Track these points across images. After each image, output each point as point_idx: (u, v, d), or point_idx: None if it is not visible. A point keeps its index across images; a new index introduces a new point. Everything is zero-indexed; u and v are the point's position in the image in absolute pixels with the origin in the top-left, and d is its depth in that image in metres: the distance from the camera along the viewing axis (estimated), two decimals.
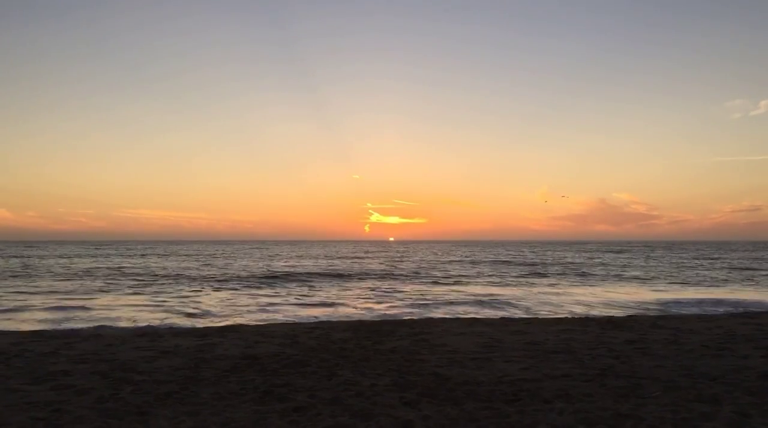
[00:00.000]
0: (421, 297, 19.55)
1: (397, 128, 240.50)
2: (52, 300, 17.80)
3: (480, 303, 17.88)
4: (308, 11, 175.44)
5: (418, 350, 8.52)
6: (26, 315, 14.56)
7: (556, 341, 9.35)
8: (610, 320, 12.46)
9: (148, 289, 22.08)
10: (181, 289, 22.22)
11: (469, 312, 15.44)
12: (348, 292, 21.41)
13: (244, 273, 31.41)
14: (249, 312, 15.44)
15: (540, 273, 32.52)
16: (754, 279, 28.82)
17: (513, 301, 18.31)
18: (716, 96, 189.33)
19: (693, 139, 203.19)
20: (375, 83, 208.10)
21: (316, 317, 14.32)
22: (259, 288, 23.07)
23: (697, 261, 47.86)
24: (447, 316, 14.26)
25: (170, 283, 25.05)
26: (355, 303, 17.63)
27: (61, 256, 54.60)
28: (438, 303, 17.50)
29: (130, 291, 21.43)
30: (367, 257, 58.36)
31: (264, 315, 14.71)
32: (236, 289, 22.33)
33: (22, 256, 54.13)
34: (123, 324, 12.92)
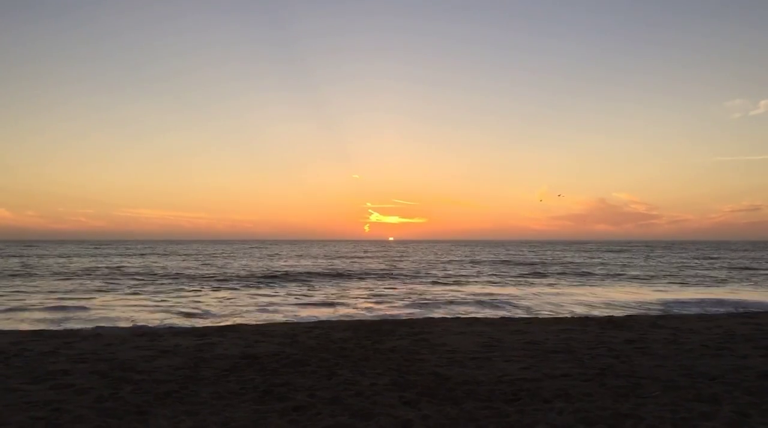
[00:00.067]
0: (421, 296, 19.55)
1: (396, 128, 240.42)
2: (52, 300, 17.80)
3: (480, 302, 17.89)
4: (308, 11, 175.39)
5: (417, 350, 8.52)
6: (26, 314, 14.56)
7: (555, 341, 9.35)
8: (609, 320, 12.47)
9: (147, 289, 22.08)
10: (180, 289, 22.22)
11: (469, 312, 15.44)
12: (347, 292, 21.41)
13: (243, 273, 31.41)
14: (248, 311, 15.44)
15: (540, 273, 32.53)
16: (755, 279, 28.84)
17: (513, 301, 18.31)
18: (716, 96, 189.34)
19: (693, 139, 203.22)
20: (375, 83, 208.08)
21: (315, 317, 14.31)
22: (258, 287, 23.07)
23: (696, 260, 47.88)
24: (447, 316, 14.26)
25: (170, 283, 25.04)
26: (354, 303, 17.63)
27: (60, 256, 54.58)
28: (438, 303, 17.50)
29: (130, 290, 21.43)
30: (367, 257, 58.37)
31: (263, 315, 14.71)
32: (236, 289, 22.33)
33: (22, 256, 54.11)
34: (122, 323, 12.92)
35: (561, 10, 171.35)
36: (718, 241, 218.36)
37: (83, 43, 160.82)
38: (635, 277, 29.49)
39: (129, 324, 12.65)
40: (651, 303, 17.88)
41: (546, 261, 47.96)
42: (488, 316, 14.15)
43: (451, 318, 13.57)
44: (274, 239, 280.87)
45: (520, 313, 15.25)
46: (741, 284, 25.70)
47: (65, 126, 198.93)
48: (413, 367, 7.21)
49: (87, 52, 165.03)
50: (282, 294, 20.44)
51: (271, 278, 28.05)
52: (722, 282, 26.89)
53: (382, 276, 30.34)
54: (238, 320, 13.51)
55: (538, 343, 9.08)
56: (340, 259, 51.48)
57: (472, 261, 47.23)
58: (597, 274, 31.71)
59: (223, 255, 60.87)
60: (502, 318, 13.24)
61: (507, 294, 20.51)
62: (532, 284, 25.52)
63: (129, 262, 43.13)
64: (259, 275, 29.92)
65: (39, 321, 13.27)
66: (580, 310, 15.85)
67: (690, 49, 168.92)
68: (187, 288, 22.70)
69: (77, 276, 28.98)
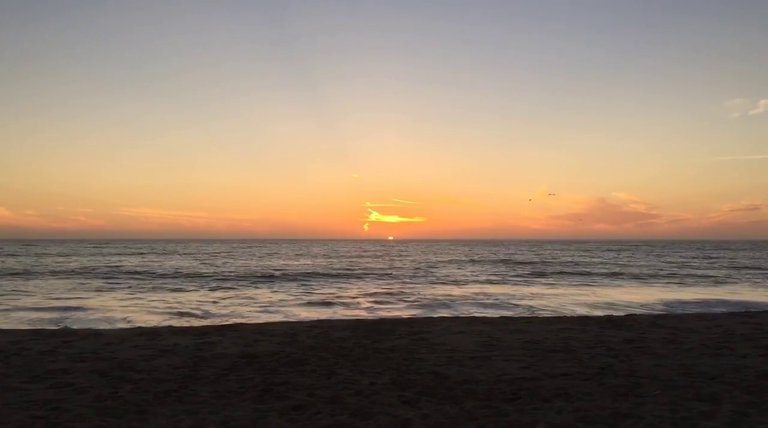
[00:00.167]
0: (420, 296, 19.55)
1: (396, 127, 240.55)
2: (51, 299, 17.80)
3: (479, 302, 17.89)
4: (308, 10, 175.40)
5: (417, 349, 8.52)
6: (25, 313, 14.55)
7: (555, 340, 9.35)
8: (609, 319, 12.47)
9: (147, 288, 22.08)
10: (180, 288, 22.22)
11: (468, 311, 15.44)
12: (347, 291, 21.41)
13: (243, 272, 31.41)
14: (248, 310, 15.44)
15: (539, 273, 32.54)
16: (755, 279, 28.85)
17: (512, 300, 18.32)
18: (716, 95, 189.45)
19: (692, 138, 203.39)
20: (374, 82, 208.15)
21: (315, 316, 14.32)
22: (257, 287, 23.07)
23: (696, 260, 47.89)
24: (446, 315, 14.26)
25: (169, 282, 25.04)
26: (353, 302, 17.63)
27: (59, 255, 54.56)
28: (437, 302, 17.50)
29: (129, 290, 21.42)
30: (366, 256, 58.37)
31: (263, 314, 14.71)
32: (235, 288, 22.33)
33: (21, 255, 54.08)
34: (122, 322, 12.92)
35: (560, 10, 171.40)
36: (718, 241, 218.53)
37: (82, 41, 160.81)
38: (635, 277, 29.50)
39: (128, 324, 12.65)
40: (651, 303, 17.88)
41: (545, 260, 47.97)
42: (487, 315, 14.15)
43: (451, 317, 13.57)
44: (274, 238, 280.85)
45: (519, 313, 15.25)
46: (741, 284, 25.71)
47: (64, 125, 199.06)
48: (412, 366, 7.21)
49: (86, 51, 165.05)
50: (281, 293, 20.44)
51: (271, 277, 28.05)
52: (722, 282, 26.90)
53: (381, 275, 30.34)
54: (238, 319, 13.51)
55: (537, 342, 9.09)
56: (339, 259, 51.47)
57: (471, 261, 47.23)
58: (597, 274, 31.72)
59: (223, 254, 60.85)
60: (502, 318, 13.24)
61: (506, 294, 20.52)
62: (531, 283, 25.52)
63: (128, 261, 43.11)
64: (259, 274, 29.92)
65: (38, 320, 13.27)
66: (579, 310, 15.86)
67: (689, 49, 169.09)
68: (186, 287, 22.70)
69: (76, 275, 28.97)
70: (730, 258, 50.33)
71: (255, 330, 10.70)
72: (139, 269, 33.82)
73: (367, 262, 44.80)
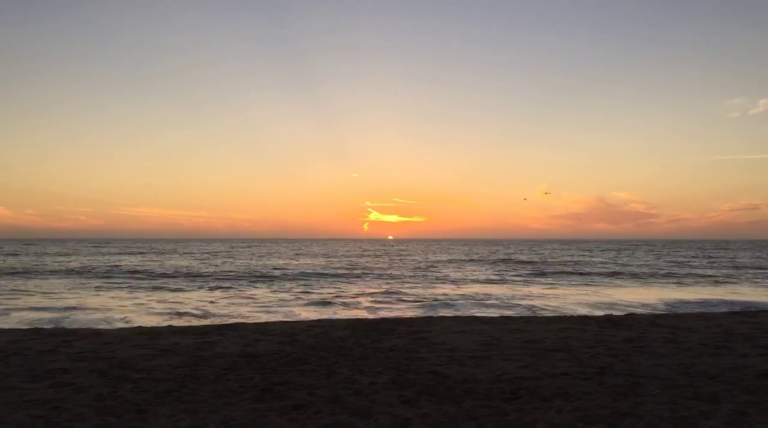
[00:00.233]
0: (420, 295, 19.56)
1: (396, 126, 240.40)
2: (51, 299, 17.80)
3: (479, 301, 17.90)
4: (308, 10, 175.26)
5: (416, 348, 8.52)
6: (24, 313, 14.55)
7: (555, 339, 9.35)
8: (608, 318, 12.48)
9: (146, 287, 22.08)
10: (180, 287, 22.22)
11: (468, 311, 15.44)
12: (346, 291, 21.41)
13: (243, 272, 31.41)
14: (248, 310, 15.44)
15: (539, 272, 32.55)
16: (754, 278, 28.86)
17: (512, 300, 18.32)
18: (715, 94, 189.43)
19: (692, 138, 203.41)
20: (374, 81, 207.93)
21: (314, 315, 14.32)
22: (257, 286, 23.07)
23: (696, 259, 47.92)
24: (446, 315, 14.26)
25: (169, 282, 25.04)
26: (353, 302, 17.63)
27: (59, 254, 54.55)
28: (437, 302, 17.50)
29: (129, 289, 21.43)
30: (366, 255, 58.37)
31: (263, 314, 14.71)
32: (235, 288, 22.33)
33: (21, 254, 54.08)
34: (121, 322, 12.92)
35: (560, 9, 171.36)
36: (717, 240, 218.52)
37: (82, 41, 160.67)
38: (635, 276, 29.52)
39: (128, 323, 12.65)
40: (651, 302, 17.89)
41: (545, 260, 47.99)
42: (487, 315, 14.16)
43: (450, 316, 13.58)
44: (274, 238, 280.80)
45: (519, 312, 15.25)
46: (741, 283, 25.72)
47: (64, 124, 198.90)
48: (412, 366, 7.22)
49: (86, 50, 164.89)
50: (281, 293, 20.44)
51: (270, 277, 28.06)
52: (722, 281, 26.91)
53: (381, 275, 30.35)
54: (238, 319, 13.52)
55: (537, 342, 9.09)
56: (339, 258, 51.48)
57: (471, 260, 47.24)
58: (596, 273, 31.73)
59: (223, 253, 60.85)
60: (501, 317, 13.24)
61: (506, 293, 20.52)
62: (531, 283, 25.53)
63: (128, 261, 43.12)
64: (258, 274, 29.92)
65: (38, 319, 13.26)
66: (579, 309, 15.86)
67: (689, 48, 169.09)
68: (186, 287, 22.71)
69: (76, 274, 28.97)
70: (730, 258, 50.35)
71: (255, 329, 10.70)
72: (138, 268, 33.82)
73: (367, 262, 44.81)
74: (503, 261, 46.52)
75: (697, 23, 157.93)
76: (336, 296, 19.25)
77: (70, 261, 41.59)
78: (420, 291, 21.32)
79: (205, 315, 14.36)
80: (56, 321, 12.91)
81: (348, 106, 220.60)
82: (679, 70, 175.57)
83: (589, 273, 31.54)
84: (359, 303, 17.40)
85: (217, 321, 13.08)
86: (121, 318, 13.48)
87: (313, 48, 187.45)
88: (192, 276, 28.36)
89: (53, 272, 30.54)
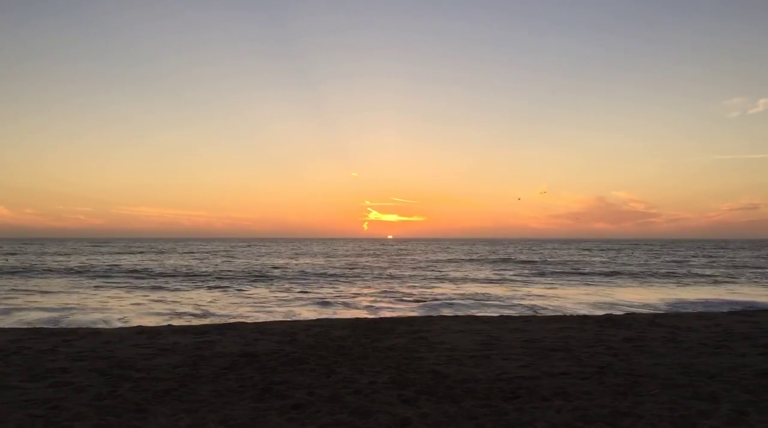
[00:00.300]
0: (420, 295, 19.56)
1: (395, 126, 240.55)
2: (50, 298, 17.80)
3: (478, 301, 17.90)
4: (307, 9, 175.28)
5: (416, 348, 8.52)
6: (24, 312, 14.54)
7: (554, 339, 9.36)
8: (608, 318, 12.49)
9: (146, 287, 22.07)
10: (179, 287, 22.22)
11: (468, 310, 15.44)
12: (346, 290, 21.41)
13: (242, 271, 31.41)
14: (247, 309, 15.44)
15: (539, 272, 32.56)
16: (754, 278, 28.87)
17: (511, 299, 18.33)
18: (715, 94, 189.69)
19: (691, 137, 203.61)
20: (374, 81, 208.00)
21: (314, 315, 14.32)
22: (257, 286, 23.07)
23: (695, 259, 47.93)
24: (445, 314, 14.26)
25: (169, 281, 25.03)
26: (353, 301, 17.63)
27: (59, 253, 54.52)
28: (436, 301, 17.50)
29: (129, 288, 21.42)
30: (366, 255, 58.37)
31: (262, 313, 14.71)
32: (235, 287, 22.32)
33: (20, 253, 54.04)
34: (121, 321, 12.92)
35: (560, 9, 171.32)
36: (717, 240, 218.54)
37: (82, 40, 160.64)
38: (634, 276, 29.52)
39: (127, 322, 12.64)
40: (650, 302, 17.89)
41: (545, 259, 48.00)
42: (487, 314, 14.16)
43: (450, 316, 13.58)
44: (273, 237, 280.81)
45: (518, 312, 15.26)
46: (740, 283, 25.72)
47: (64, 124, 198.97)
48: (412, 365, 7.22)
49: (85, 49, 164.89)
50: (280, 292, 20.44)
51: (270, 276, 28.05)
52: (721, 281, 26.91)
53: (380, 274, 30.35)
54: (237, 318, 13.52)
55: (536, 341, 9.09)
56: (338, 258, 51.47)
57: (470, 260, 47.24)
58: (596, 273, 31.74)
59: (222, 253, 60.84)
60: (501, 317, 13.24)
61: (505, 293, 20.53)
62: (530, 282, 25.53)
63: (128, 260, 43.10)
64: (258, 273, 29.92)
65: (37, 319, 13.26)
66: (578, 309, 15.87)
67: (689, 48, 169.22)
68: (185, 286, 22.70)
69: (76, 273, 28.96)
70: (729, 258, 50.37)
71: (254, 329, 10.70)
72: (138, 268, 33.81)
73: (367, 261, 44.81)
74: (503, 260, 46.52)
75: (696, 23, 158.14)
76: (335, 295, 19.25)
77: (69, 261, 41.57)
78: (419, 290, 21.32)
79: (205, 314, 14.35)
80: (56, 321, 12.91)
81: (348, 105, 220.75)
82: (678, 70, 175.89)
83: (589, 273, 31.55)
84: (359, 302, 17.40)
85: (216, 320, 13.08)
86: (121, 318, 13.48)
87: (313, 47, 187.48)
88: (191, 275, 28.35)
89: (53, 271, 30.53)
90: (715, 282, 25.78)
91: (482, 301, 17.75)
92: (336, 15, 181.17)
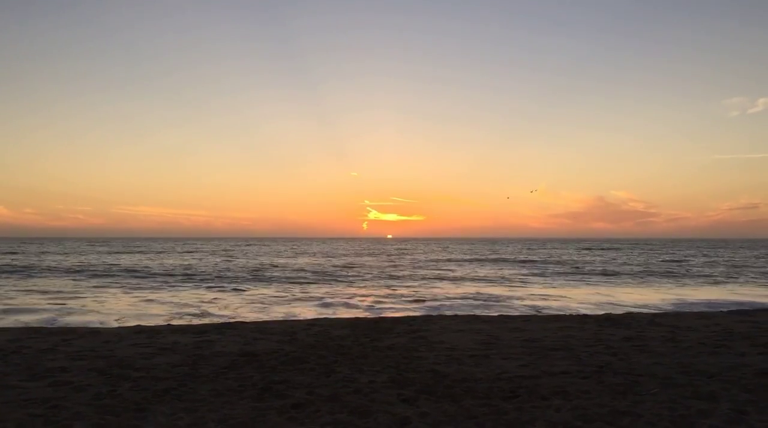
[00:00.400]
0: (419, 294, 19.56)
1: (395, 125, 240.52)
2: (50, 297, 17.79)
3: (478, 300, 17.90)
4: (307, 8, 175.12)
5: (416, 347, 8.53)
6: (23, 312, 14.53)
7: (554, 338, 9.36)
8: (608, 317, 12.49)
9: (145, 286, 22.07)
10: (179, 286, 22.21)
11: (467, 310, 15.44)
12: (346, 290, 21.42)
13: (242, 271, 31.41)
14: (247, 309, 15.43)
15: (538, 271, 32.57)
16: (753, 277, 28.88)
17: (511, 299, 18.33)
18: (714, 93, 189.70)
19: (691, 137, 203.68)
20: (374, 80, 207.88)
21: (314, 314, 14.32)
22: (256, 285, 23.07)
23: (695, 258, 47.95)
24: (445, 313, 14.26)
25: (168, 280, 25.02)
26: (353, 301, 17.63)
27: (58, 253, 54.50)
28: (436, 301, 17.50)
29: (128, 288, 21.41)
30: (365, 254, 58.37)
31: (262, 313, 14.71)
32: (234, 286, 22.31)
33: (20, 253, 54.02)
34: (120, 320, 12.91)
35: (559, 8, 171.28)
36: (716, 239, 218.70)
37: (81, 39, 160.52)
38: (634, 275, 29.53)
39: (127, 322, 12.64)
40: (650, 301, 17.90)
41: (544, 259, 48.01)
42: (486, 314, 14.16)
43: (450, 315, 13.57)
44: (273, 236, 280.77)
45: (518, 311, 15.26)
46: (740, 282, 25.74)
47: (63, 123, 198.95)
48: (411, 365, 7.22)
49: (85, 48, 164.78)
50: (280, 291, 20.44)
51: (270, 276, 28.05)
52: (721, 280, 26.93)
53: (380, 274, 30.35)
54: (237, 318, 13.52)
55: (536, 341, 9.09)
56: (338, 257, 51.47)
57: (470, 259, 47.25)
58: (595, 272, 31.75)
59: (222, 252, 60.83)
60: (501, 316, 13.25)
61: (505, 292, 20.53)
62: (530, 282, 25.54)
63: (127, 260, 43.09)
64: (258, 273, 29.92)
65: (37, 318, 13.25)
66: (578, 308, 15.87)
67: (689, 47, 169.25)
68: (185, 285, 22.70)
69: (75, 273, 28.95)
70: (729, 257, 50.41)
71: (254, 328, 10.70)
72: (138, 267, 33.80)
73: (366, 261, 44.81)
74: (502, 260, 46.53)
75: (696, 22, 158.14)
76: (335, 295, 19.26)
77: (68, 260, 41.56)
78: (419, 290, 21.32)
79: (204, 314, 14.35)
80: (55, 320, 12.90)
81: (347, 104, 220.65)
82: (678, 69, 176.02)
83: (589, 272, 31.56)
84: (358, 302, 17.40)
85: (216, 320, 13.08)
86: (120, 317, 13.47)
87: (313, 46, 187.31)
88: (191, 274, 28.34)
89: (52, 271, 30.52)
90: (715, 282, 25.78)
91: (482, 301, 17.75)
92: (336, 14, 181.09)
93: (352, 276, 28.74)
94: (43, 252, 55.81)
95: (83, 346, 8.50)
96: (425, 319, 12.33)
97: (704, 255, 53.98)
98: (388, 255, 55.92)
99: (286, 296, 18.87)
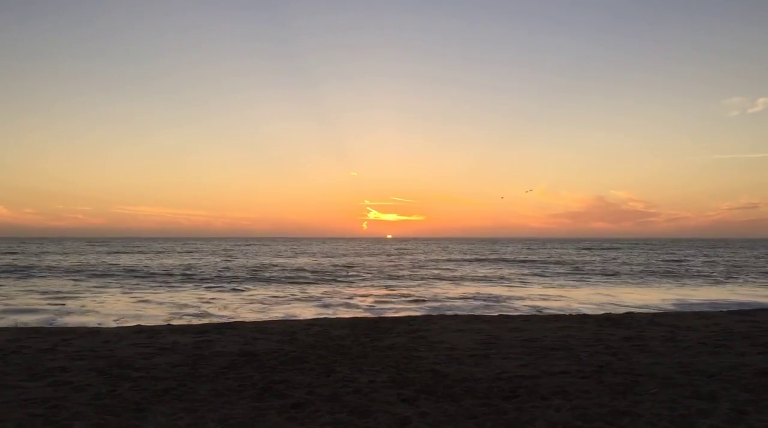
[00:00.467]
0: (419, 294, 19.56)
1: (395, 125, 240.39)
2: (49, 297, 17.78)
3: (478, 300, 17.90)
4: (307, 8, 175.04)
5: (415, 347, 8.53)
6: (23, 312, 14.53)
7: (553, 338, 9.36)
8: (607, 317, 12.49)
9: (145, 286, 22.07)
10: (179, 286, 22.21)
11: (467, 310, 15.44)
12: (345, 290, 21.42)
13: (241, 271, 31.40)
14: (247, 309, 15.43)
15: (538, 271, 32.57)
16: (753, 277, 28.89)
17: (511, 298, 18.33)
18: (714, 93, 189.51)
19: (691, 137, 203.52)
20: (373, 80, 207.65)
21: (314, 314, 14.32)
22: (256, 285, 23.07)
23: (695, 258, 47.97)
24: (445, 313, 14.26)
25: (168, 280, 25.02)
26: (353, 301, 17.63)
27: (58, 253, 54.50)
28: (436, 301, 17.51)
29: (128, 288, 21.41)
30: (365, 254, 58.37)
31: (262, 313, 14.71)
32: (234, 286, 22.32)
33: (19, 253, 54.01)
34: (120, 320, 12.91)
35: (559, 8, 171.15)
36: (716, 239, 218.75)
37: (81, 39, 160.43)
38: (633, 275, 29.54)
39: (127, 322, 12.63)
40: (650, 301, 17.90)
41: (544, 259, 48.02)
42: (486, 314, 14.16)
43: (449, 315, 13.57)
44: (273, 236, 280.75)
45: (518, 311, 15.26)
46: (739, 282, 25.74)
47: (63, 123, 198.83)
48: (411, 364, 7.22)
49: (84, 48, 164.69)
50: (280, 291, 20.44)
51: (270, 275, 28.05)
52: (721, 280, 26.94)
53: (380, 273, 30.35)
54: (237, 317, 13.51)
55: (536, 341, 9.10)
56: (338, 257, 51.47)
57: (470, 259, 47.26)
58: (595, 272, 31.76)
59: (222, 252, 60.82)
60: (500, 316, 13.25)
61: (505, 292, 20.53)
62: (530, 282, 25.54)
63: (127, 259, 43.09)
64: (257, 272, 29.91)
65: (36, 318, 13.25)
66: (578, 308, 15.87)
67: (688, 47, 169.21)
68: (185, 285, 22.70)
69: (75, 273, 28.94)
70: (729, 257, 50.42)
71: (254, 328, 10.70)
72: (137, 267, 33.80)
73: (366, 261, 44.82)
74: (502, 260, 46.54)
75: (696, 22, 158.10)
76: (335, 295, 19.26)
77: (68, 260, 41.56)
78: (419, 289, 21.32)
79: (204, 313, 14.35)
80: (54, 320, 12.90)
81: (347, 104, 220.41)
82: (677, 69, 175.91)
83: (588, 272, 31.56)
84: (358, 302, 17.40)
85: (216, 319, 13.08)
86: (120, 317, 13.47)
87: (313, 46, 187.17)
88: (191, 274, 28.34)
89: (51, 271, 30.51)
90: (715, 282, 25.79)
91: (482, 301, 17.75)
92: (336, 14, 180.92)
93: (352, 276, 28.74)
94: (42, 252, 55.80)
95: (83, 346, 8.50)
96: (425, 319, 12.33)
97: (704, 255, 54.00)
98: (388, 255, 55.93)
99: (286, 296, 18.87)
